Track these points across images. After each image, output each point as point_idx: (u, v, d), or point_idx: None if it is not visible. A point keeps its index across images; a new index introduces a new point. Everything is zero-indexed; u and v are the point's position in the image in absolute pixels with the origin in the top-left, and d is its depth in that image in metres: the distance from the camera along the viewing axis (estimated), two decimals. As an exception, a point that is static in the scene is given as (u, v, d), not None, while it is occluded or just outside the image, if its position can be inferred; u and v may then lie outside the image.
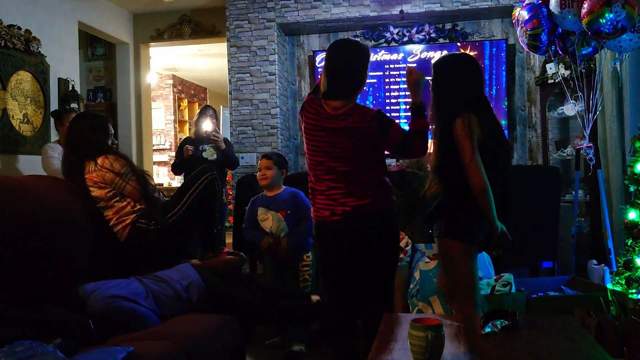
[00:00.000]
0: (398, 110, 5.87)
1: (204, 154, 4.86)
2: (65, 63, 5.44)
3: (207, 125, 4.87)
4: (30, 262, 2.23)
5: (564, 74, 4.65)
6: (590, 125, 3.92)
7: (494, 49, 5.74)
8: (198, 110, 5.21)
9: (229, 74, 5.99)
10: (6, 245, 2.14)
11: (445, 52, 5.65)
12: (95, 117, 3.03)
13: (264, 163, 3.54)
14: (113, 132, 3.02)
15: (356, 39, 5.98)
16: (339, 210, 2.46)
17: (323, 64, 2.58)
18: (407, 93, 5.85)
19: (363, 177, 2.46)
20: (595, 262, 4.08)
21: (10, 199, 2.30)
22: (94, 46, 6.92)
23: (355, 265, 2.53)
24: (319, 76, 2.57)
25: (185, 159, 4.82)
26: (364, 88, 2.64)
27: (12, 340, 1.66)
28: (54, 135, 4.96)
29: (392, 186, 2.59)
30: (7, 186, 2.40)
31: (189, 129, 5.36)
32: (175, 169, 5.11)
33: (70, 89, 5.39)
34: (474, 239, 2.46)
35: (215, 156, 4.87)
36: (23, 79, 4.83)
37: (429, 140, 2.52)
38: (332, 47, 2.56)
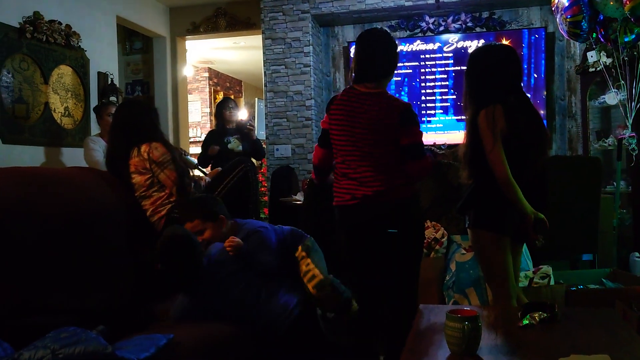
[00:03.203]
0: (433, 101, 5.80)
1: (230, 146, 4.89)
2: (104, 57, 5.55)
3: (242, 114, 4.91)
4: (74, 252, 2.30)
5: (605, 62, 4.53)
6: (633, 115, 3.82)
7: (533, 38, 5.61)
8: (217, 103, 5.25)
9: (264, 66, 6.01)
10: (50, 235, 2.20)
11: (482, 42, 5.57)
12: (143, 104, 3.09)
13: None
14: None
15: (391, 29, 5.94)
16: (359, 195, 2.48)
17: (353, 54, 2.64)
18: (444, 83, 5.80)
19: (387, 163, 2.48)
20: (637, 254, 3.99)
21: (54, 190, 2.37)
22: (132, 40, 7.03)
23: (374, 252, 2.55)
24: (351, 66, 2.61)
25: (211, 154, 4.87)
26: (397, 78, 2.64)
27: (58, 327, 1.71)
28: (94, 129, 5.07)
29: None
30: (51, 178, 2.47)
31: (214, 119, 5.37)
32: (201, 162, 5.14)
33: (109, 82, 5.49)
34: (504, 228, 2.43)
35: (240, 147, 4.90)
36: (64, 73, 4.94)
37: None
38: (359, 37, 2.64)
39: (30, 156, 4.49)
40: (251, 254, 2.49)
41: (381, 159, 2.48)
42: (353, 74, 2.59)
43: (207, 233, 2.56)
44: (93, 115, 4.90)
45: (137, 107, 2.97)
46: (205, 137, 5.25)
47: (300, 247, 2.69)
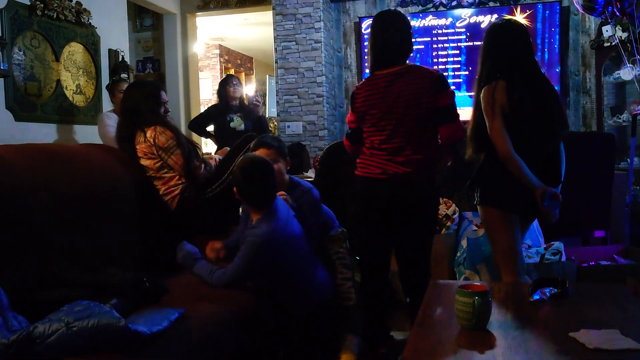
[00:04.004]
0: (446, 77, 5.74)
1: (232, 124, 4.86)
2: (115, 34, 5.53)
3: (249, 90, 4.89)
4: (88, 228, 2.32)
5: (621, 37, 4.45)
6: (649, 90, 3.77)
7: (547, 12, 5.53)
8: (221, 80, 5.21)
9: (274, 42, 5.98)
10: (65, 210, 2.22)
11: (495, 17, 5.49)
12: (146, 85, 3.08)
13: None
14: (167, 99, 3.03)
15: (403, 4, 5.87)
16: (391, 171, 2.54)
17: (368, 42, 2.69)
18: (456, 59, 5.74)
19: (421, 142, 2.54)
20: (650, 231, 3.96)
21: (68, 167, 2.39)
22: (142, 17, 7.00)
23: (392, 226, 2.62)
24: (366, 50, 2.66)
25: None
26: (412, 54, 2.67)
27: (72, 300, 1.74)
28: (106, 106, 5.08)
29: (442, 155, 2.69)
30: (65, 154, 2.49)
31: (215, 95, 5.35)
32: (193, 126, 5.15)
33: (120, 59, 5.49)
34: (511, 205, 2.42)
35: (242, 126, 4.87)
36: (75, 51, 4.94)
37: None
38: (372, 24, 2.67)
39: (43, 133, 4.52)
40: (304, 212, 2.54)
41: (416, 137, 2.53)
42: (370, 63, 2.65)
43: (277, 165, 2.56)
44: (105, 93, 4.91)
45: (137, 92, 2.96)
46: (208, 110, 5.20)
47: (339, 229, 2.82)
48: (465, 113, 4.92)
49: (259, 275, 2.36)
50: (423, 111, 2.51)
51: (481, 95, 2.42)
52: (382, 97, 2.55)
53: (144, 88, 2.99)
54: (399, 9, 5.83)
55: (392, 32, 2.58)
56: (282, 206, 2.43)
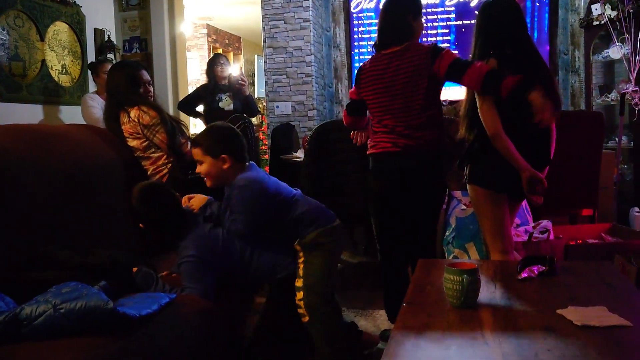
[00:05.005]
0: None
1: (220, 104, 4.84)
2: (101, 13, 5.45)
3: (233, 70, 4.86)
4: (76, 209, 2.31)
5: (610, 15, 4.44)
6: (637, 69, 3.78)
7: (537, -10, 5.51)
8: (209, 59, 5.19)
9: (262, 21, 5.91)
10: (52, 191, 2.20)
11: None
12: (126, 66, 3.08)
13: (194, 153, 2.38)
14: (149, 79, 3.03)
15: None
16: (401, 144, 2.56)
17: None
18: (445, 38, 5.71)
19: (428, 114, 2.54)
20: (637, 209, 4.00)
21: (53, 148, 2.36)
22: (128, -4, 6.89)
23: (403, 200, 2.65)
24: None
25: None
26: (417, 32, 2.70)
27: (61, 281, 1.73)
28: (92, 86, 5.02)
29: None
30: (50, 135, 2.47)
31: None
32: (182, 106, 5.12)
33: (106, 39, 5.41)
34: (498, 185, 2.43)
35: (231, 106, 4.84)
36: (60, 30, 4.86)
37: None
38: (382, 6, 2.70)
39: (29, 114, 4.46)
40: (231, 211, 2.31)
41: (423, 111, 2.53)
42: (375, 41, 2.68)
43: (203, 167, 2.31)
44: (90, 74, 4.85)
45: (118, 73, 2.97)
46: (197, 90, 5.18)
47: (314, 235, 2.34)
48: (455, 92, 4.93)
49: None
50: (425, 84, 2.50)
51: None
52: (385, 74, 2.58)
53: (123, 69, 3.03)
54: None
55: (391, 14, 2.62)
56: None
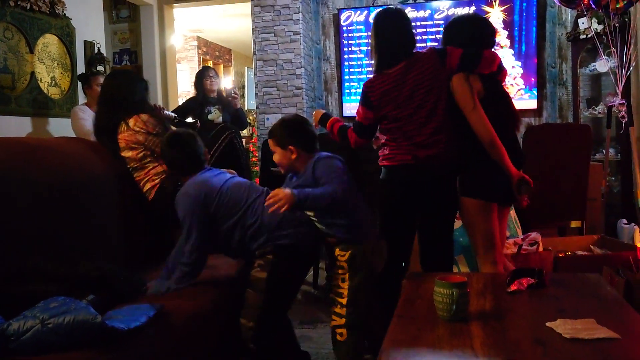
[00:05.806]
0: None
1: (210, 117, 4.83)
2: (91, 26, 5.44)
3: (226, 83, 4.86)
4: (65, 222, 2.29)
5: (596, 29, 4.50)
6: (623, 82, 3.82)
7: (524, 4, 5.56)
8: (197, 72, 5.18)
9: (253, 34, 5.93)
10: (40, 203, 2.19)
11: (473, 9, 5.52)
12: (131, 73, 3.04)
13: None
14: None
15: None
16: (422, 155, 2.50)
17: (372, 41, 2.65)
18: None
19: (445, 124, 2.51)
20: (625, 221, 4.02)
21: (42, 160, 2.35)
22: (118, 8, 6.90)
23: (418, 212, 2.62)
24: (371, 48, 2.64)
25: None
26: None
27: (49, 296, 1.71)
28: (81, 98, 5.00)
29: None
30: (39, 147, 2.45)
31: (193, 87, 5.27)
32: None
33: (96, 51, 5.40)
34: (490, 195, 2.45)
35: (220, 118, 4.83)
36: (49, 42, 4.85)
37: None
38: (374, 21, 2.66)
39: (17, 126, 4.43)
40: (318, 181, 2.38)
41: (441, 120, 2.50)
42: (377, 62, 2.59)
43: (275, 156, 2.52)
44: (80, 85, 4.83)
45: (123, 79, 2.92)
46: (186, 103, 5.15)
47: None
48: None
49: (213, 223, 2.41)
50: (444, 90, 2.48)
51: (453, 83, 2.44)
52: (400, 88, 2.52)
53: (128, 76, 2.97)
54: (380, 0, 5.83)
55: (397, 30, 2.58)
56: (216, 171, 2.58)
